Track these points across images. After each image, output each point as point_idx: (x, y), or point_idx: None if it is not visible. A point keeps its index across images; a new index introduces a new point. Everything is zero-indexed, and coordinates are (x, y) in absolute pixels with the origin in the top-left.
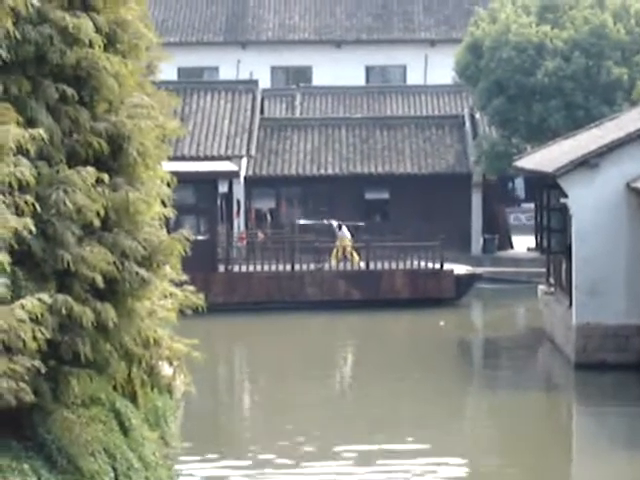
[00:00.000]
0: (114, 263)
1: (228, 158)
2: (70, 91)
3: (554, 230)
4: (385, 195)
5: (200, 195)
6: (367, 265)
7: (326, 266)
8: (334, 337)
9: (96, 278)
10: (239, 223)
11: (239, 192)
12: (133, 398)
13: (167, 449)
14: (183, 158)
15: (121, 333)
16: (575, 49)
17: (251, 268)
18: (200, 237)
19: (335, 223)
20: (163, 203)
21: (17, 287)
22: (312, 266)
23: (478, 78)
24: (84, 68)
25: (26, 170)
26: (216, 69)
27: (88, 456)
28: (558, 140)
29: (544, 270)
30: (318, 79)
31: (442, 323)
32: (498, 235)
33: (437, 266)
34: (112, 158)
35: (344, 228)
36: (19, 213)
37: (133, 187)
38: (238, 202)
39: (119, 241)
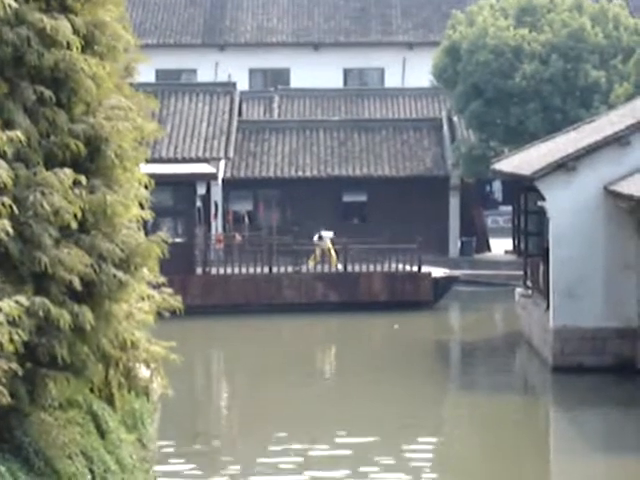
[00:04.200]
0: (91, 265)
1: (206, 160)
2: (48, 93)
3: (531, 233)
4: (363, 198)
5: (178, 197)
6: (345, 267)
7: (304, 268)
8: (312, 340)
9: (73, 280)
10: (217, 225)
11: (217, 194)
12: (110, 401)
13: (144, 452)
14: (161, 160)
15: (98, 336)
16: (553, 52)
17: (229, 270)
18: (178, 239)
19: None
20: (141, 205)
21: None
22: (290, 269)
23: (456, 81)
24: (62, 70)
25: (3, 172)
26: (194, 71)
27: (65, 459)
28: (536, 143)
29: (521, 273)
30: (296, 81)
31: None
32: (476, 238)
33: (415, 269)
34: (90, 160)
35: (325, 235)
36: None
37: (111, 189)
38: (216, 204)
39: (96, 243)
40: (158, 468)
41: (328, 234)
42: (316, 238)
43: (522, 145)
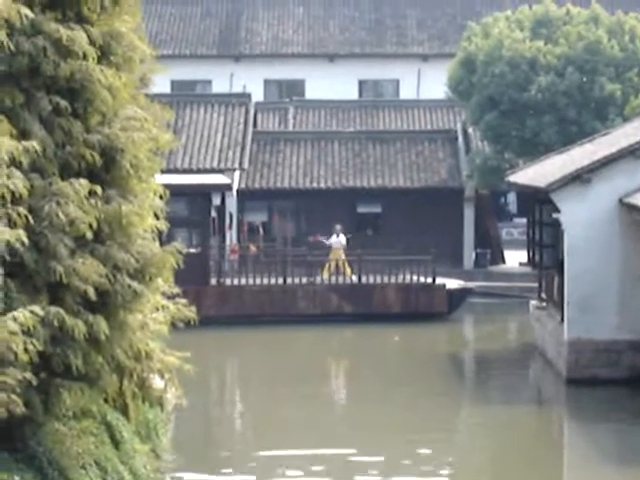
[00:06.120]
0: (106, 275)
1: (221, 171)
2: (63, 103)
3: (546, 245)
4: (377, 209)
5: (193, 208)
6: (359, 279)
7: (318, 279)
8: (326, 351)
9: (88, 290)
10: (231, 236)
11: (232, 205)
12: (124, 411)
13: (158, 462)
14: (176, 171)
15: (113, 346)
16: (569, 65)
17: (243, 281)
18: (192, 250)
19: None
20: (156, 216)
21: (9, 299)
22: (304, 280)
23: (471, 93)
24: (78, 80)
25: (19, 182)
26: (209, 82)
27: (79, 469)
28: (551, 155)
29: (536, 285)
30: (311, 93)
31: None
32: (490, 250)
33: (429, 280)
34: (105, 170)
35: (342, 235)
36: (12, 225)
37: (126, 199)
38: (230, 215)
39: (112, 253)
40: (171, 479)
41: (341, 239)
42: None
43: (537, 157)
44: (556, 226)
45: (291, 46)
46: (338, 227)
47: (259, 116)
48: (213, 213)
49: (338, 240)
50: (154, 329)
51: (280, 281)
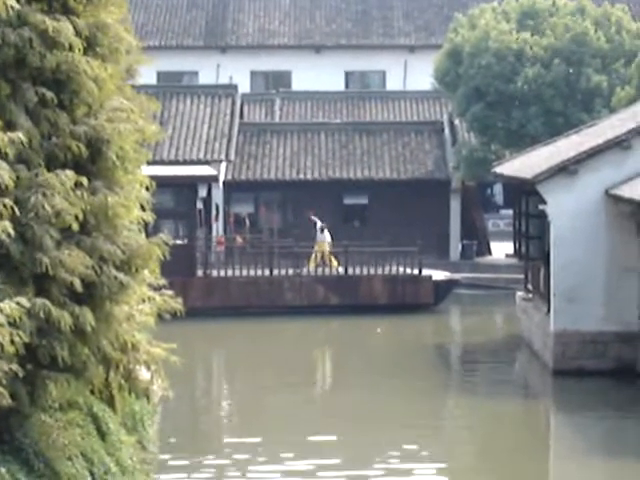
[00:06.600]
0: (92, 267)
1: (207, 162)
2: (50, 94)
3: (532, 236)
4: (364, 200)
5: (179, 199)
6: (346, 270)
7: (305, 271)
8: (312, 342)
9: (74, 282)
10: (218, 228)
11: (218, 196)
12: (110, 402)
13: (144, 453)
14: (162, 162)
15: (99, 337)
16: (555, 56)
17: (230, 273)
18: (179, 241)
19: (319, 224)
20: (142, 207)
21: None
22: (291, 271)
23: (457, 84)
24: (64, 71)
25: (5, 173)
26: (195, 73)
27: (65, 460)
28: (537, 147)
29: (522, 276)
30: (297, 84)
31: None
32: (476, 241)
33: (415, 272)
34: (91, 162)
35: (326, 231)
36: None
37: (112, 191)
38: (217, 206)
39: (98, 245)
40: (157, 470)
41: (326, 235)
42: (319, 231)
43: (523, 148)
44: (542, 217)
45: (277, 37)
46: (323, 224)
47: (245, 107)
48: (199, 204)
49: (323, 236)
50: (140, 320)
51: (266, 272)
